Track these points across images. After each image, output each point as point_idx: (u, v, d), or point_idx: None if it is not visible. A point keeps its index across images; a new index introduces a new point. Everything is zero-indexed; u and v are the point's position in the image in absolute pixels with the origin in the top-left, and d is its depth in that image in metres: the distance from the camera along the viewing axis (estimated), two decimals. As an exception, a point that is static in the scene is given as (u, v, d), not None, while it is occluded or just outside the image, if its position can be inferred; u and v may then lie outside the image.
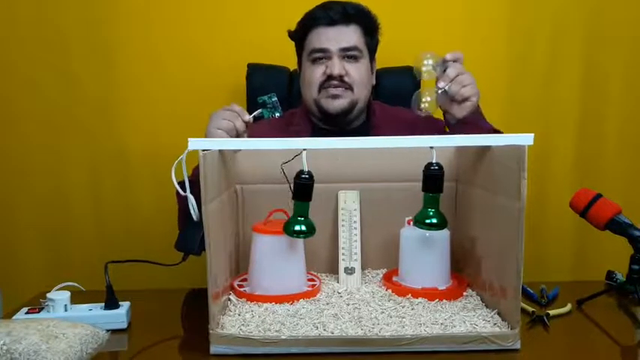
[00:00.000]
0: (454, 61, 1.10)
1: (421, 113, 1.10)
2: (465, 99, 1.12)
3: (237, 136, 1.10)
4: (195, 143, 0.82)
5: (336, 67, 1.31)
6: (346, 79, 1.33)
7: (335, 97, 1.33)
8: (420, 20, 1.69)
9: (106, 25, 1.66)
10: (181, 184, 0.91)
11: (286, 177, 0.99)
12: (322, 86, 1.33)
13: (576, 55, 1.71)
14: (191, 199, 0.91)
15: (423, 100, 1.06)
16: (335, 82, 1.32)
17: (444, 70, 1.10)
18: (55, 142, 1.69)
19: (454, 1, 1.70)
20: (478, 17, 1.69)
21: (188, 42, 1.67)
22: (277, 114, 1.12)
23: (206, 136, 1.10)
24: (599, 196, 1.05)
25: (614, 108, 1.73)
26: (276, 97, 1.08)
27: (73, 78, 1.67)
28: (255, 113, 1.12)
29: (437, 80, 1.11)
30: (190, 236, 1.01)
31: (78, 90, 1.67)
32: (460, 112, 1.14)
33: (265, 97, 1.07)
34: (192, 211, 0.92)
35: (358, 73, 1.34)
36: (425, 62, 1.08)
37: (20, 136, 1.69)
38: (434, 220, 0.90)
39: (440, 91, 1.09)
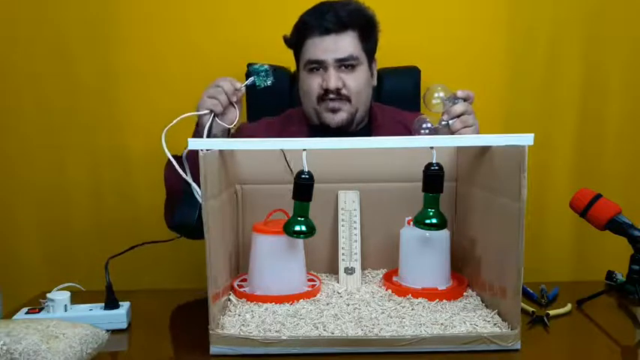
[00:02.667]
0: (464, 99, 1.09)
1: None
2: None
3: (228, 107, 1.10)
4: (195, 143, 0.82)
5: (332, 80, 1.28)
6: (343, 91, 1.30)
7: (334, 110, 1.31)
8: (420, 20, 1.69)
9: (106, 25, 1.65)
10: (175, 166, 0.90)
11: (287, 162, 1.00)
12: (321, 98, 1.32)
13: (576, 55, 1.71)
14: (190, 182, 0.90)
15: (424, 126, 1.07)
16: (332, 96, 1.30)
17: (452, 105, 1.10)
18: (56, 141, 1.69)
19: (454, 2, 1.70)
20: (478, 17, 1.69)
21: (188, 42, 1.67)
22: (269, 82, 1.09)
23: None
24: (599, 196, 1.05)
25: (614, 108, 1.73)
26: (268, 66, 1.07)
27: (73, 77, 1.67)
28: (247, 82, 1.10)
29: (443, 113, 1.10)
30: (187, 211, 1.00)
31: (78, 89, 1.67)
32: None
33: (257, 66, 1.06)
34: (194, 192, 0.89)
35: (355, 82, 1.31)
36: (435, 95, 1.09)
37: (20, 135, 1.69)
38: (434, 220, 0.90)
39: (442, 123, 1.09)
